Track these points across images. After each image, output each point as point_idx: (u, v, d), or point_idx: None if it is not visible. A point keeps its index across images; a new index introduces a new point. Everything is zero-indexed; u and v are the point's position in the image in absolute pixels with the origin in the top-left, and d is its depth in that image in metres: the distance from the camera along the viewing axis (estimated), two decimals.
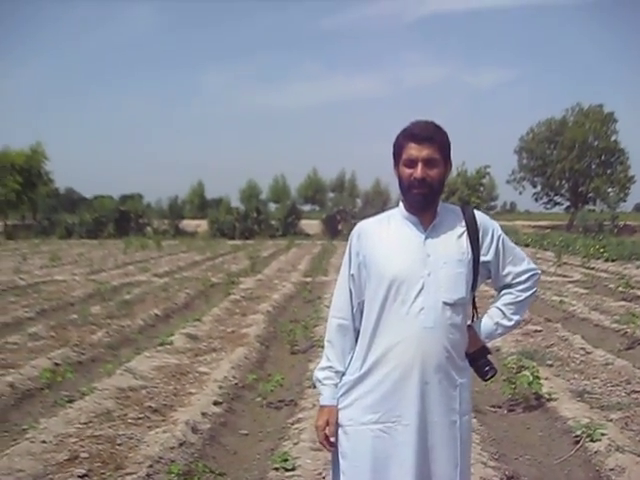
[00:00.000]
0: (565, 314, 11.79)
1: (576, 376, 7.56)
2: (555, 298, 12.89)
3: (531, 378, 6.39)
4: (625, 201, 58.72)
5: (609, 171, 59.24)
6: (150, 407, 6.11)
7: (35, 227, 46.23)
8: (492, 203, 58.03)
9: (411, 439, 2.48)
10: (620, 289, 14.45)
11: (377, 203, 45.12)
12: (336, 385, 2.67)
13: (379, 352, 2.52)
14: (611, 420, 5.92)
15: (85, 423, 5.54)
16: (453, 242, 2.57)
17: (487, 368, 2.73)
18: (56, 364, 7.53)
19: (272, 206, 48.92)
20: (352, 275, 2.66)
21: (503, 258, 2.67)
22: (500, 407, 6.61)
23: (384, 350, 2.51)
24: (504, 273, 2.70)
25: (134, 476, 4.55)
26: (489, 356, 2.77)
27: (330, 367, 2.69)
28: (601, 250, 25.01)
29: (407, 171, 2.52)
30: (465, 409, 2.60)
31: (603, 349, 8.67)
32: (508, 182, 63.37)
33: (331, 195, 49.86)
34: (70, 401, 6.14)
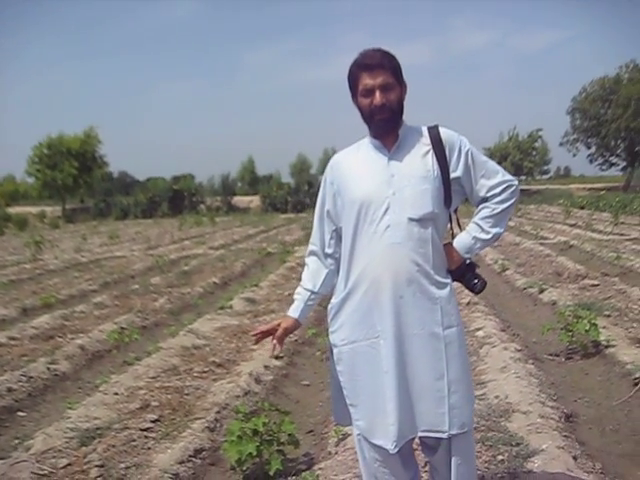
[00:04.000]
0: (623, 269, 11.63)
1: (635, 325, 7.51)
2: (612, 254, 12.73)
3: (588, 326, 6.39)
4: None
5: None
6: (214, 362, 6.34)
7: (92, 210, 47.28)
8: (545, 167, 57.21)
9: (391, 352, 2.58)
10: None
11: None
12: (304, 301, 2.91)
13: (357, 272, 2.65)
14: None
15: (154, 377, 5.80)
16: (418, 160, 2.64)
17: (475, 281, 2.81)
18: (122, 328, 7.82)
19: None
20: (327, 210, 2.81)
21: (474, 172, 2.71)
22: (558, 355, 6.64)
23: (361, 270, 2.63)
24: (477, 187, 2.73)
25: (202, 420, 4.78)
26: (477, 270, 2.84)
27: (301, 285, 2.93)
28: None
29: (365, 100, 2.60)
30: (450, 322, 2.65)
31: None
32: (561, 144, 62.34)
33: None
34: (138, 359, 6.41)
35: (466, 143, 2.72)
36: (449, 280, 2.73)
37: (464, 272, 2.81)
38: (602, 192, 41.64)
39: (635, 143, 58.43)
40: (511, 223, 23.43)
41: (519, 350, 6.36)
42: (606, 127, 58.23)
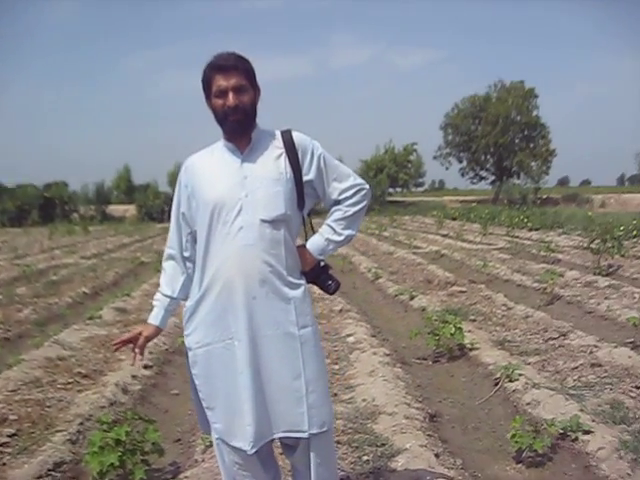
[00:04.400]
0: (489, 277, 12.16)
1: (497, 328, 7.86)
2: (479, 262, 13.25)
3: (453, 330, 6.61)
4: (547, 174, 60.44)
5: (531, 145, 60.76)
6: (80, 373, 6.10)
7: None
8: (420, 180, 58.91)
9: (245, 353, 2.59)
10: (542, 253, 14.89)
11: None
12: (164, 307, 2.86)
13: (210, 274, 2.64)
14: (529, 364, 6.22)
15: (13, 390, 5.49)
16: (271, 163, 2.67)
17: (329, 282, 2.87)
18: None
19: None
20: (182, 213, 2.78)
21: (327, 176, 2.77)
22: (425, 359, 6.84)
23: (214, 272, 2.63)
24: (330, 190, 2.79)
25: (64, 433, 4.59)
26: (330, 271, 2.90)
27: (159, 291, 2.87)
28: (525, 220, 25.65)
29: (219, 101, 2.62)
30: (305, 321, 2.69)
31: (524, 305, 9.00)
32: (435, 158, 64.49)
33: None
34: None
35: (318, 147, 2.77)
36: (303, 281, 2.76)
37: (318, 273, 2.85)
38: (473, 204, 43.24)
39: (503, 158, 61.18)
40: (386, 233, 24.04)
41: (388, 355, 6.50)
42: (476, 142, 60.76)
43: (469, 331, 7.30)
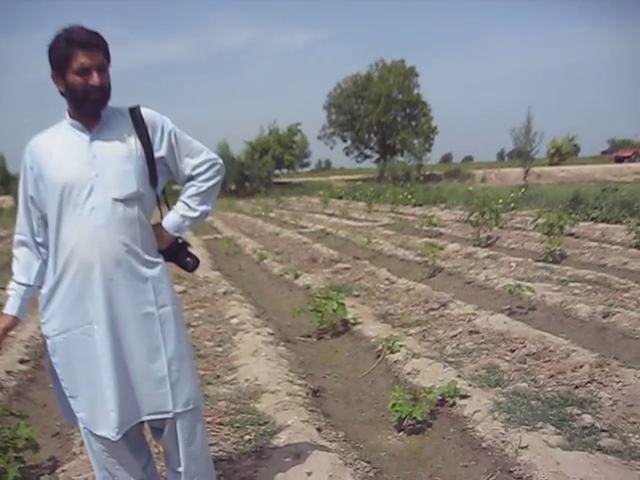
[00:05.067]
0: (373, 252, 12.35)
1: (380, 302, 7.98)
2: (364, 239, 13.41)
3: (336, 305, 6.66)
4: (430, 151, 61.89)
5: (414, 123, 62.09)
6: None
7: None
8: (306, 160, 59.15)
9: (105, 336, 2.51)
10: (424, 228, 15.25)
11: None
12: (20, 297, 2.68)
13: (64, 258, 2.53)
14: (410, 335, 6.35)
15: None
16: (120, 141, 2.58)
17: (188, 260, 2.84)
18: None
19: None
20: (31, 196, 2.62)
21: (178, 152, 2.71)
22: (310, 336, 6.85)
23: (68, 255, 2.52)
24: (182, 166, 2.73)
25: None
26: (189, 249, 2.86)
27: (14, 280, 2.71)
28: (408, 197, 26.18)
29: (79, 79, 2.49)
30: (164, 300, 2.62)
31: (406, 278, 9.18)
32: (319, 138, 64.94)
33: None
34: None
35: (169, 123, 2.69)
36: (160, 260, 2.68)
37: (176, 251, 2.79)
38: (358, 183, 43.85)
39: (386, 137, 62.26)
40: (272, 215, 24.05)
41: (272, 334, 6.50)
42: (360, 121, 61.52)
43: (352, 306, 7.38)
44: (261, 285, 10.18)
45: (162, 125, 2.65)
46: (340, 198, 32.94)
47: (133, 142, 2.57)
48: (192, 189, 2.74)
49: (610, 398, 4.47)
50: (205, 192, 2.74)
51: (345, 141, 65.08)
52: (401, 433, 4.36)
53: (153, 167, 2.62)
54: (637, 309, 6.67)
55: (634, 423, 4.11)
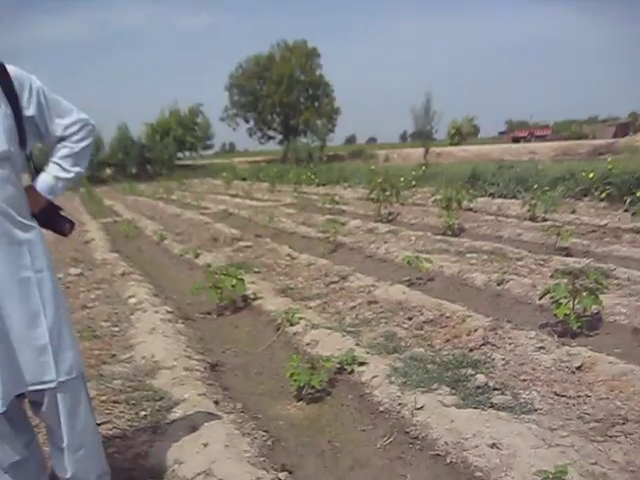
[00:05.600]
0: (275, 230, 12.34)
1: (281, 278, 7.96)
2: (266, 218, 13.37)
3: (235, 282, 6.58)
4: (333, 132, 62.38)
5: (316, 104, 62.23)
6: None
7: None
8: (209, 142, 58.34)
9: None
10: (327, 206, 15.35)
11: None
12: None
13: None
14: (310, 307, 6.36)
15: None
16: None
17: (64, 223, 2.77)
18: None
19: None
20: None
21: (48, 111, 2.59)
22: (210, 313, 6.76)
23: None
24: (53, 127, 2.61)
25: None
26: (62, 212, 2.78)
27: None
28: (312, 177, 26.32)
29: None
30: (41, 265, 2.51)
31: (308, 254, 9.20)
32: (222, 119, 64.30)
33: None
34: None
35: (36, 81, 2.54)
36: (35, 223, 2.54)
37: (50, 215, 2.69)
38: (262, 164, 43.62)
39: (289, 117, 62.22)
40: (174, 197, 23.70)
41: (170, 312, 6.38)
42: (262, 102, 61.20)
43: (253, 282, 7.34)
44: (161, 266, 10.00)
45: (30, 83, 2.50)
46: (244, 180, 32.70)
47: (0, 100, 2.41)
48: (65, 150, 2.62)
49: (503, 358, 4.61)
50: (78, 153, 2.64)
51: (248, 122, 64.71)
52: (300, 402, 4.35)
53: (22, 127, 2.47)
54: (529, 276, 6.90)
55: (524, 380, 4.25)
